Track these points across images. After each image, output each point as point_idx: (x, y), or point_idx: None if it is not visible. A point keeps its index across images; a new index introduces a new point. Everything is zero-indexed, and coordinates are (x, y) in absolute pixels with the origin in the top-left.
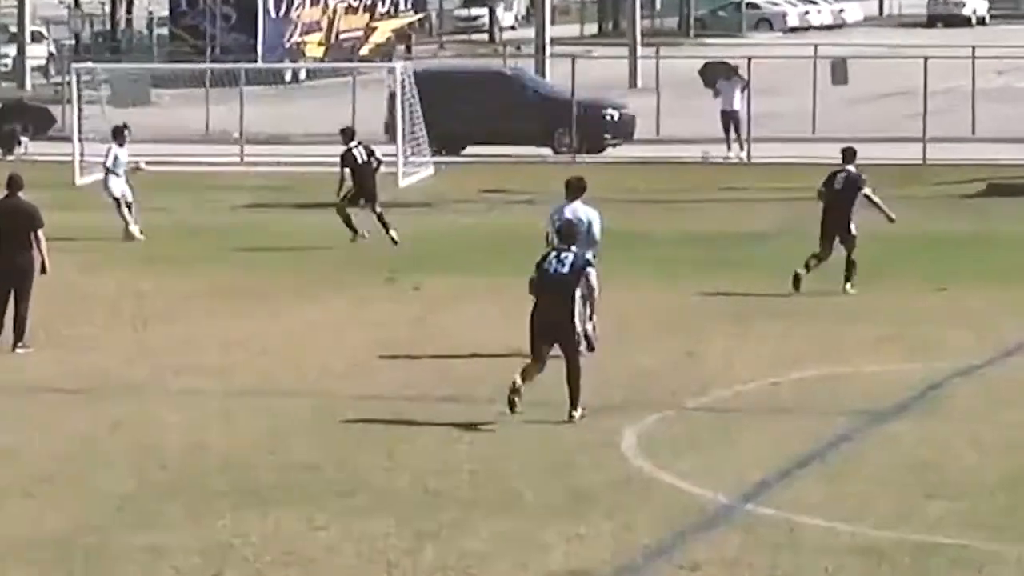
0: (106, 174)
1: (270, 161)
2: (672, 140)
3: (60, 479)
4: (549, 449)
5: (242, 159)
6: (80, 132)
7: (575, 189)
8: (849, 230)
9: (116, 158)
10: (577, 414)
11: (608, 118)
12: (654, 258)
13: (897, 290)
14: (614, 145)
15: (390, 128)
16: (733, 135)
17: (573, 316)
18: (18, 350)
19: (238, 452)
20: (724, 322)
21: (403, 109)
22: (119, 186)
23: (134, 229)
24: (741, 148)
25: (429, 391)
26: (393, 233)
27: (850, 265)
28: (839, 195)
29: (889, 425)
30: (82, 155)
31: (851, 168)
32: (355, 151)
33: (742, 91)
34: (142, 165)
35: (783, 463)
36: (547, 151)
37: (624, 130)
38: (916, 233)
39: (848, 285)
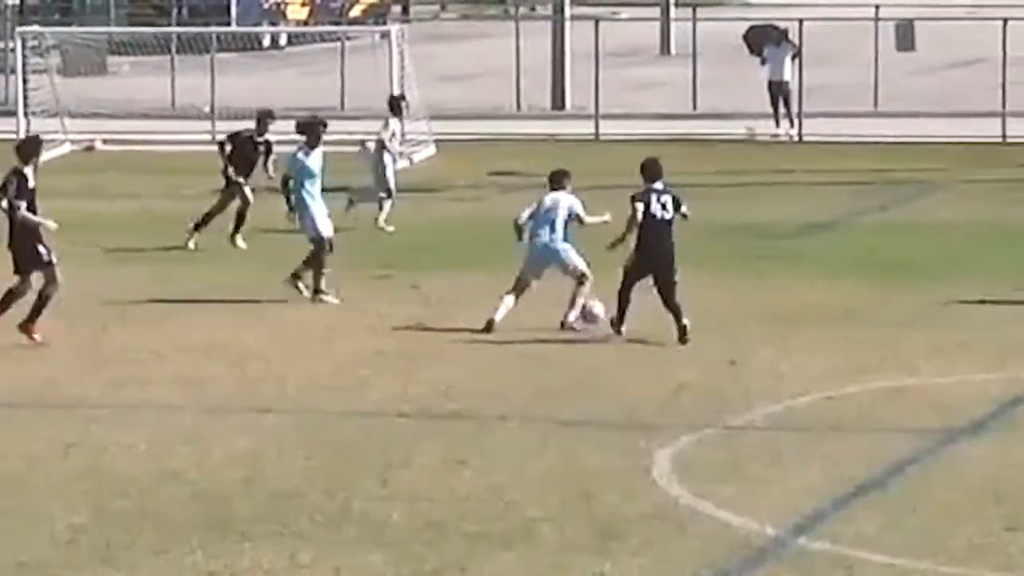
0: None
1: None
2: (711, 115)
3: (4, 509)
4: (569, 474)
5: (213, 137)
6: (26, 107)
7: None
8: None
9: None
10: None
11: None
12: (690, 253)
13: (971, 290)
14: None
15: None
16: (782, 110)
17: None
18: None
19: (210, 478)
20: (772, 326)
21: (400, 79)
22: None
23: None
24: (792, 124)
25: (430, 406)
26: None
27: None
28: None
29: (962, 446)
30: (27, 133)
31: None
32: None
33: (793, 59)
34: (97, 144)
35: (840, 490)
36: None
37: None
38: (993, 223)
39: None
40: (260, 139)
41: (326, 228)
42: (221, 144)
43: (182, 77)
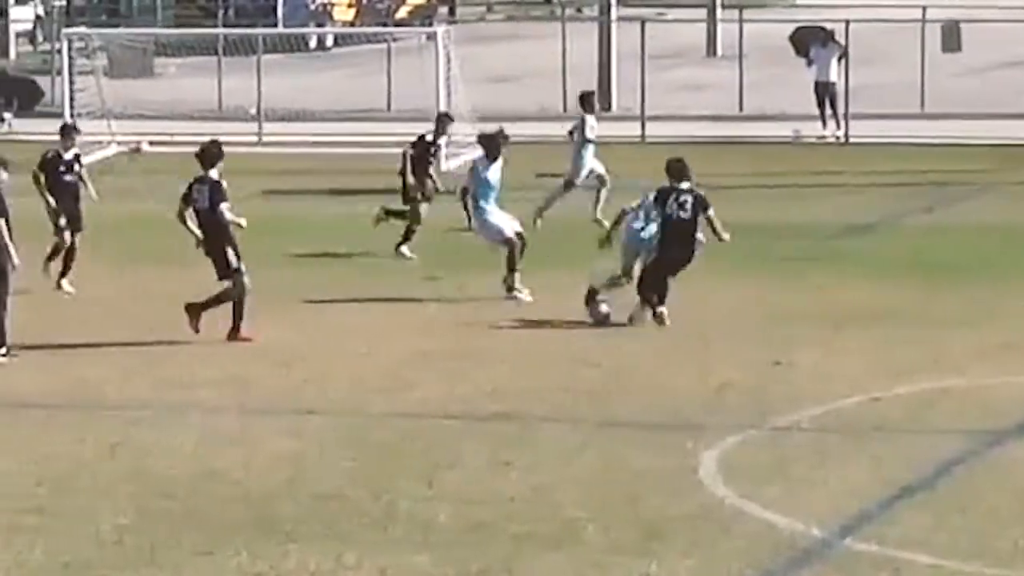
0: None
1: (293, 141)
2: (758, 117)
3: (51, 509)
4: (615, 475)
5: (260, 139)
6: (72, 108)
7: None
8: None
9: None
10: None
11: None
12: (737, 254)
13: (1015, 291)
14: None
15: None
16: (829, 111)
17: None
18: None
19: (255, 479)
20: (817, 327)
21: (446, 80)
22: None
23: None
24: (838, 126)
25: (476, 407)
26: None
27: None
28: None
29: (1009, 447)
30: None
31: None
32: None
33: (839, 60)
34: (144, 146)
35: (886, 492)
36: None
37: None
38: None
39: None
40: (436, 142)
41: (511, 228)
42: (404, 153)
43: (228, 78)
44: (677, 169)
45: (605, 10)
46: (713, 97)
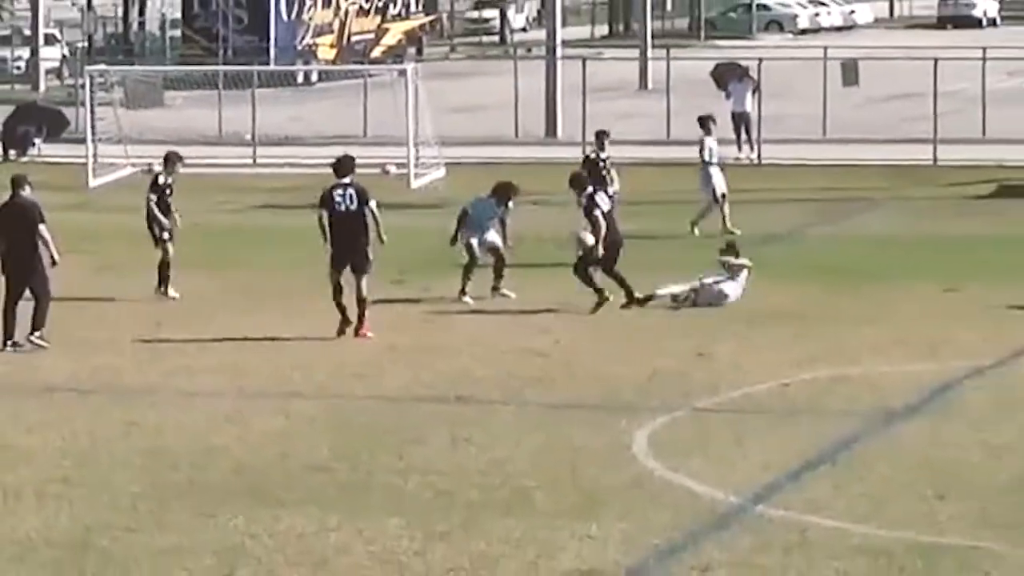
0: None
1: (282, 163)
2: (683, 142)
3: (74, 479)
4: (560, 451)
5: (255, 161)
6: (93, 134)
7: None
8: None
9: None
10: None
11: None
12: (666, 259)
13: (907, 292)
14: None
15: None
16: (744, 136)
17: None
18: (32, 338)
19: (250, 453)
20: (735, 324)
21: (415, 110)
22: None
23: None
24: (752, 149)
25: (440, 392)
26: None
27: None
28: None
29: (899, 426)
30: (95, 157)
31: None
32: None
33: (753, 93)
34: (155, 167)
35: (794, 464)
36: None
37: None
38: (926, 234)
39: None
40: (603, 157)
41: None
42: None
43: (227, 109)
44: (582, 180)
45: (551, 50)
46: (645, 124)
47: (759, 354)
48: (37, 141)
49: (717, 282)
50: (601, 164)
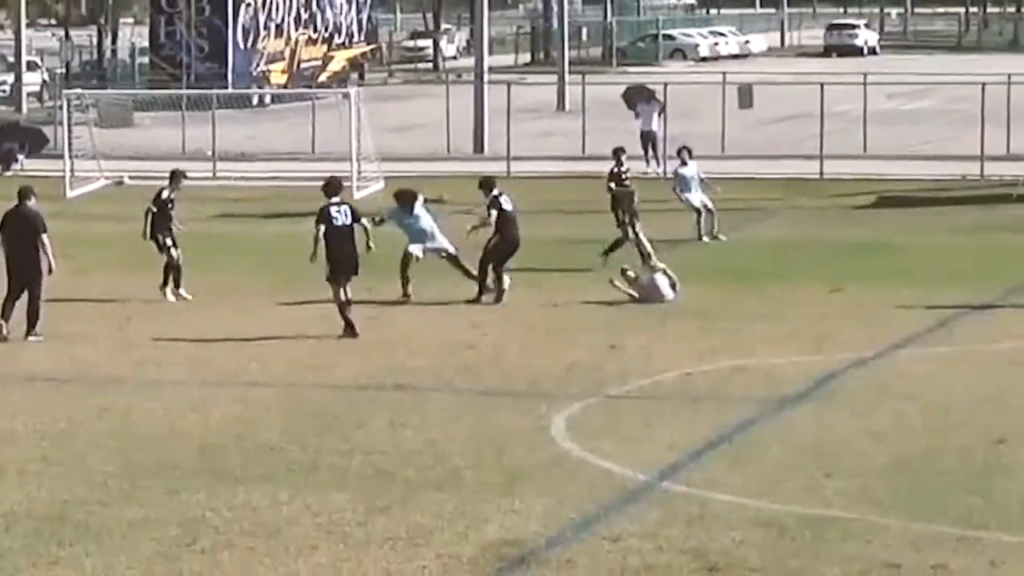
0: None
1: (239, 176)
2: (596, 157)
3: (52, 459)
4: (487, 433)
5: (214, 175)
6: (70, 151)
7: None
8: None
9: None
10: None
11: None
12: (582, 262)
13: (797, 291)
14: None
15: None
16: (651, 153)
17: None
18: (30, 338)
19: (211, 436)
20: (645, 319)
21: (357, 130)
22: None
23: None
24: (658, 164)
25: (381, 381)
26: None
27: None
28: None
29: (790, 412)
30: (72, 171)
31: None
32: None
33: (659, 113)
34: (125, 180)
35: (696, 445)
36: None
37: None
38: (814, 240)
39: None
40: (624, 170)
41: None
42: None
43: (190, 128)
44: (489, 184)
45: (480, 75)
46: (562, 142)
47: (666, 346)
48: (20, 157)
49: (651, 278)
50: (624, 176)
